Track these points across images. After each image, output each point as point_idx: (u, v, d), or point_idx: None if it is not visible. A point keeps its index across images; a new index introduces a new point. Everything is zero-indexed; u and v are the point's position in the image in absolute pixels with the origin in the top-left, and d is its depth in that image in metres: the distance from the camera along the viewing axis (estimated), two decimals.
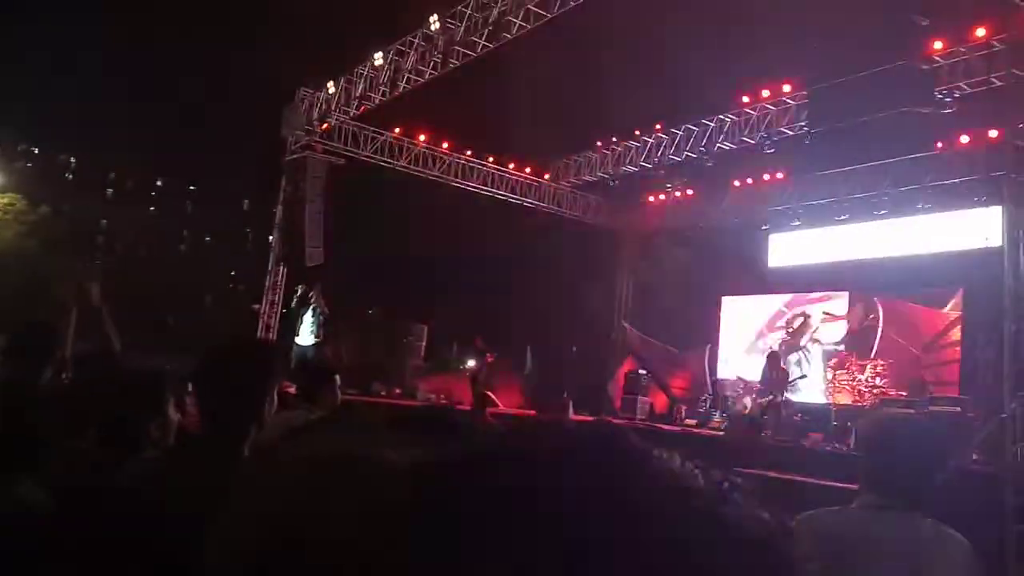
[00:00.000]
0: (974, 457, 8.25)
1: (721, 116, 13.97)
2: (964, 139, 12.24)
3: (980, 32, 10.42)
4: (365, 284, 16.42)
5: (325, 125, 14.18)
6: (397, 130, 15.29)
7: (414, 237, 19.25)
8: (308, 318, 12.48)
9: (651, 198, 17.51)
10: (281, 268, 14.61)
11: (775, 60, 12.51)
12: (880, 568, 2.05)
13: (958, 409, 10.28)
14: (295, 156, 14.43)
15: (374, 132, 15.02)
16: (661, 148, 15.04)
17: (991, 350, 9.55)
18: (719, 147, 14.10)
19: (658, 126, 15.03)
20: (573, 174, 17.02)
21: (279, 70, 16.93)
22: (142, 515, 1.95)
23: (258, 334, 13.67)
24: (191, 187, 48.87)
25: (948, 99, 10.93)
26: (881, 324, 13.90)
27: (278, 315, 14.35)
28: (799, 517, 2.22)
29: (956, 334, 12.89)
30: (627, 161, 15.69)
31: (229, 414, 2.25)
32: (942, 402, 10.54)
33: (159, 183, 49.15)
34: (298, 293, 12.77)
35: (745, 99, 13.56)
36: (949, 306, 13.20)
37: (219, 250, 45.43)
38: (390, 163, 15.28)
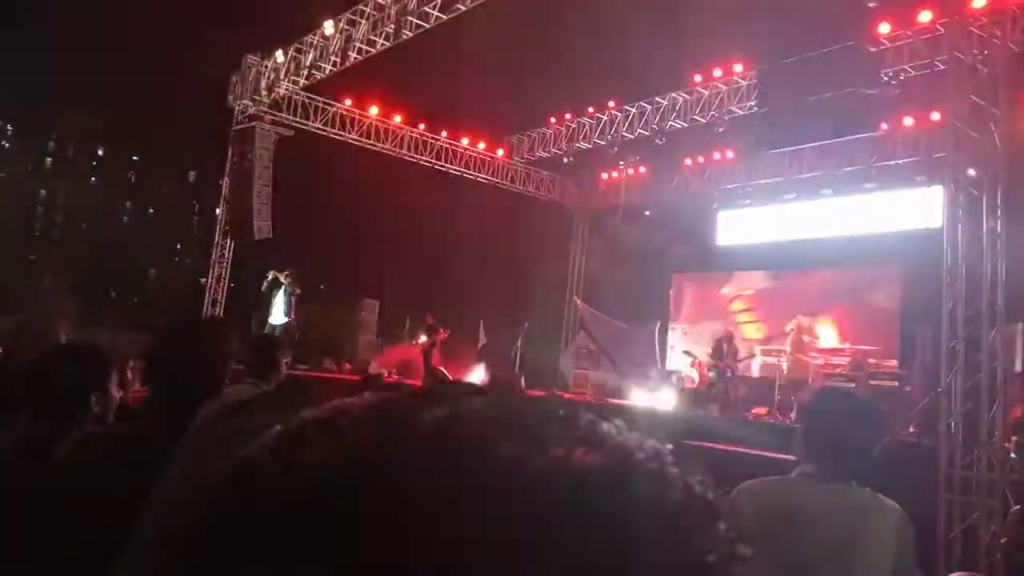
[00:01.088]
0: (911, 429, 8.56)
1: (673, 94, 14.04)
2: (908, 121, 12.57)
3: (924, 16, 10.65)
4: (315, 259, 16.20)
5: (274, 95, 13.85)
6: (348, 102, 15.02)
7: (365, 211, 19.01)
8: (280, 297, 12.62)
9: (604, 175, 17.59)
10: (228, 241, 14.29)
11: (727, 39, 12.60)
12: (816, 534, 2.11)
13: (896, 383, 10.65)
14: (242, 127, 14.07)
15: (324, 103, 14.73)
16: (614, 125, 15.07)
17: (929, 327, 9.86)
18: (671, 125, 14.20)
19: (611, 103, 15.06)
20: (527, 150, 16.97)
21: (226, 37, 16.47)
22: (78, 490, 1.90)
23: (205, 309, 13.40)
24: (134, 157, 47.39)
25: (893, 81, 11.20)
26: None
27: (225, 289, 14.07)
28: (739, 487, 2.27)
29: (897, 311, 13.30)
30: (581, 138, 15.70)
31: (180, 390, 2.23)
32: (882, 376, 10.91)
33: (100, 152, 47.52)
34: (269, 277, 12.84)
35: (697, 78, 13.65)
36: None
37: (163, 223, 44.28)
38: (341, 135, 15.01)
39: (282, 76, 13.55)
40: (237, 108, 14.41)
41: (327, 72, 12.99)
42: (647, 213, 17.07)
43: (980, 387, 6.90)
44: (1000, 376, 7.12)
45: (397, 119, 15.59)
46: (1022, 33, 9.89)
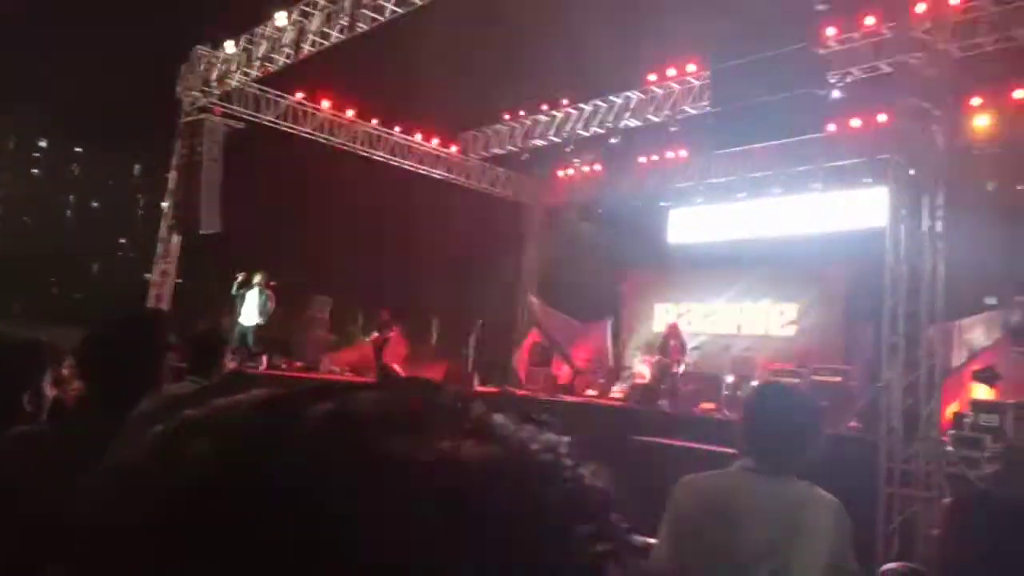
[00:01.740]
0: (853, 424, 8.78)
1: (628, 93, 14.15)
2: (855, 123, 12.89)
3: (870, 20, 10.93)
4: (266, 254, 15.90)
5: (225, 87, 13.57)
6: (300, 95, 14.80)
7: (318, 207, 18.74)
8: (253, 298, 12.76)
9: (559, 172, 17.66)
10: (174, 236, 13.96)
11: (681, 39, 12.75)
12: (754, 527, 2.14)
13: (840, 379, 10.93)
14: (191, 119, 13.76)
15: (276, 96, 14.49)
16: (569, 123, 15.13)
17: (872, 324, 10.13)
18: (625, 124, 14.31)
19: (566, 101, 15.12)
20: (481, 146, 16.94)
21: (175, 27, 16.08)
22: (7, 490, 1.84)
23: (149, 304, 13.08)
24: (77, 149, 46.02)
25: (840, 83, 11.46)
26: None
27: (171, 285, 13.75)
28: (680, 481, 2.30)
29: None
30: (535, 135, 15.73)
31: (117, 387, 2.17)
32: (825, 372, 11.18)
33: (43, 144, 46.01)
34: (239, 279, 12.96)
35: (652, 77, 13.78)
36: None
37: (108, 216, 43.11)
38: (293, 129, 14.78)
39: (233, 68, 13.29)
40: (186, 100, 14.08)
41: (279, 64, 12.78)
42: (600, 211, 17.22)
43: (919, 383, 7.10)
44: (938, 372, 7.35)
45: (350, 113, 15.41)
46: (964, 38, 10.23)
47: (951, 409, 10.73)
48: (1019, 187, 30.41)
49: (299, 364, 13.61)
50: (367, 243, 18.48)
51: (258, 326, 12.82)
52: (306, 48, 12.13)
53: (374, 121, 15.81)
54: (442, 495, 0.34)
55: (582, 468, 0.38)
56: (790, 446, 2.25)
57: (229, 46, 13.20)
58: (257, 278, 12.89)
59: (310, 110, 14.93)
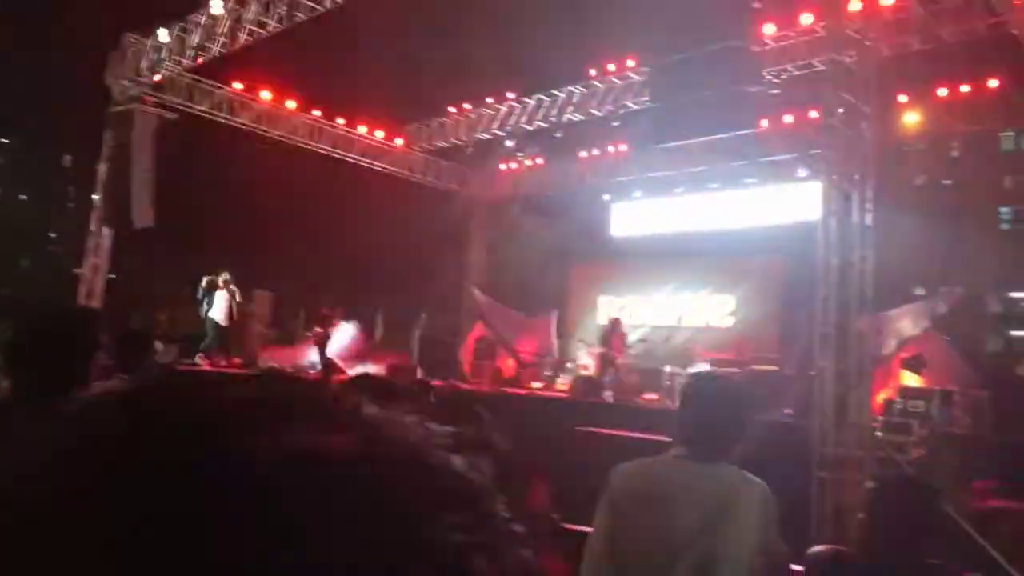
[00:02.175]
0: (788, 411, 9.02)
1: (570, 88, 14.23)
2: (788, 119, 13.22)
3: (806, 18, 11.20)
4: (202, 249, 15.51)
5: (157, 76, 13.15)
6: (238, 85, 14.45)
7: (257, 200, 18.37)
8: (220, 298, 12.80)
9: (503, 166, 17.68)
10: (104, 230, 13.49)
11: (622, 35, 12.89)
12: (686, 512, 2.19)
13: (775, 368, 11.23)
14: (121, 108, 13.31)
15: (212, 86, 14.12)
16: (513, 116, 15.15)
17: (806, 314, 10.41)
18: (568, 118, 14.39)
19: (510, 95, 15.12)
20: (426, 139, 16.83)
21: (105, 14, 15.53)
22: None
23: (79, 300, 12.63)
24: (4, 140, 44.13)
25: (776, 80, 11.74)
26: None
27: (103, 280, 13.30)
28: (614, 468, 2.33)
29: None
30: (480, 128, 15.70)
31: (40, 383, 2.10)
32: (762, 361, 11.47)
33: None
34: (204, 283, 12.95)
35: (593, 72, 13.88)
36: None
37: (36, 209, 41.47)
38: (230, 120, 14.42)
39: (165, 56, 12.89)
40: (116, 89, 13.60)
41: (214, 53, 12.44)
42: (545, 204, 17.31)
43: (850, 371, 7.33)
44: (868, 360, 7.60)
45: (291, 105, 15.12)
46: (894, 37, 10.58)
47: (881, 396, 11.13)
48: (946, 182, 31.65)
49: (238, 360, 13.33)
50: (309, 237, 18.21)
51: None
52: (242, 37, 11.84)
53: (316, 113, 15.55)
54: (300, 487, 0.33)
55: (455, 459, 0.38)
56: (721, 433, 2.30)
57: (162, 34, 12.80)
58: (223, 278, 12.89)
59: (248, 101, 14.60)
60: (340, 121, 15.86)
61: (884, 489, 2.51)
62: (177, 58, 12.84)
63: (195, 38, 12.43)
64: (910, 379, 11.28)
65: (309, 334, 13.93)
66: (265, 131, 14.83)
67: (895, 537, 2.41)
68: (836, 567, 2.52)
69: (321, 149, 15.67)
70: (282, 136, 15.04)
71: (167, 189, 13.05)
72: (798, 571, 2.60)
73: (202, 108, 14.05)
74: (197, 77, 13.79)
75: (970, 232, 27.94)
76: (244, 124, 14.57)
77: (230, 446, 0.34)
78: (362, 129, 16.20)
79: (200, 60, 12.66)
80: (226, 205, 18.67)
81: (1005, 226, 32.32)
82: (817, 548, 2.60)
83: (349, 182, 16.83)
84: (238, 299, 13.02)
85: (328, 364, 12.78)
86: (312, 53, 13.96)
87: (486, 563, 0.34)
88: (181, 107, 13.71)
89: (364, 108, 16.11)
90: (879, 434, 7.96)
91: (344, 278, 17.06)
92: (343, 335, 13.96)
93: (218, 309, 12.82)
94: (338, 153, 15.94)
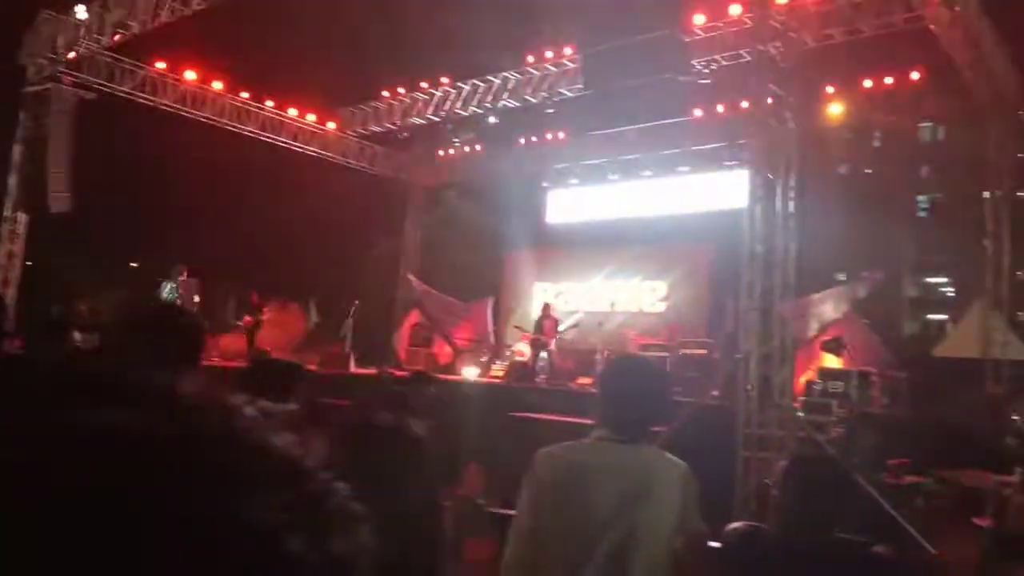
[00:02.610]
0: (715, 394, 9.26)
1: (506, 74, 14.20)
2: (719, 108, 13.49)
3: (735, 9, 11.42)
4: (125, 235, 14.96)
5: (72, 54, 12.58)
6: (161, 65, 13.95)
7: (182, 184, 17.76)
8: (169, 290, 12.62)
9: (439, 151, 17.57)
10: (18, 215, 12.88)
11: (558, 22, 12.90)
12: (607, 493, 2.23)
13: (704, 352, 11.51)
14: (36, 88, 12.70)
15: (133, 65, 13.59)
16: (448, 102, 15.04)
17: (733, 299, 10.69)
18: (504, 104, 14.36)
19: (445, 80, 15.00)
20: (360, 123, 16.57)
21: None
22: None
23: None
24: None
25: (706, 70, 11.94)
26: None
27: (19, 267, 12.72)
28: (539, 452, 2.36)
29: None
30: (415, 113, 15.54)
31: None
32: (692, 345, 11.74)
33: None
34: (166, 289, 12.71)
35: (530, 59, 13.88)
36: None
37: None
38: (153, 101, 13.92)
39: (83, 34, 12.34)
40: (31, 68, 12.96)
41: (135, 31, 11.97)
42: (482, 191, 17.29)
43: (773, 353, 7.57)
44: (790, 343, 7.85)
45: (217, 85, 14.68)
46: (816, 29, 10.88)
47: (804, 378, 11.53)
48: (867, 171, 32.80)
49: None
50: (238, 222, 17.73)
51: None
52: (164, 15, 11.42)
53: (244, 94, 15.13)
54: (110, 467, 0.33)
55: (278, 439, 0.38)
56: (640, 414, 2.35)
57: (79, 10, 12.24)
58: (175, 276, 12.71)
59: (171, 81, 14.11)
60: (269, 103, 15.48)
61: (794, 466, 2.60)
62: (96, 36, 12.31)
63: (115, 15, 11.93)
64: (831, 361, 11.71)
65: (239, 323, 13.62)
66: (190, 113, 14.36)
67: (805, 513, 2.51)
68: (751, 543, 2.61)
69: (249, 132, 15.26)
70: (208, 118, 14.59)
71: (86, 173, 12.53)
72: (717, 548, 2.68)
73: (123, 88, 13.52)
74: (118, 56, 13.27)
75: (889, 219, 29.12)
76: (167, 105, 14.09)
77: (25, 422, 0.33)
78: (292, 112, 15.86)
79: (119, 38, 12.16)
80: (149, 190, 17.98)
81: (922, 214, 33.78)
82: (734, 525, 2.69)
83: (280, 167, 16.45)
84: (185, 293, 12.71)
85: (259, 354, 12.53)
86: (240, 32, 13.53)
87: (303, 544, 0.34)
88: (101, 87, 13.17)
89: (295, 91, 15.76)
90: (800, 414, 8.24)
91: (277, 265, 16.70)
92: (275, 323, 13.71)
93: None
94: (268, 137, 15.56)
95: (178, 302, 12.28)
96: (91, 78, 13.03)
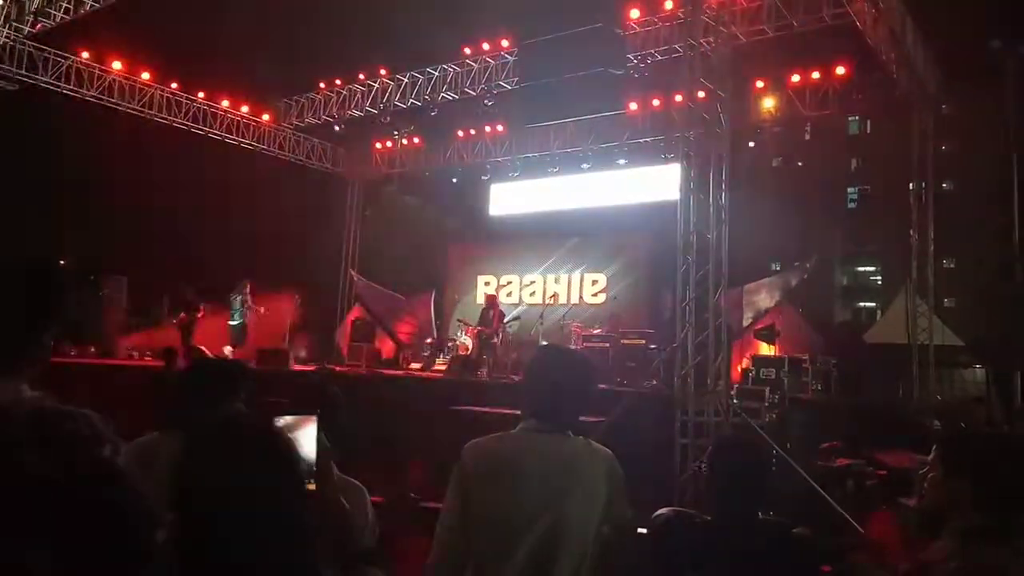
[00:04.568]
0: (654, 382, 9.42)
1: (444, 66, 14.12)
2: (655, 102, 13.68)
3: (668, 4, 11.59)
4: (46, 231, 14.34)
5: None
6: (86, 55, 13.45)
7: (108, 178, 17.13)
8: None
9: (378, 144, 17.38)
10: None
11: (495, 14, 12.86)
12: (535, 483, 2.24)
13: (643, 341, 11.68)
14: None
15: (56, 55, 13.08)
16: (387, 94, 14.89)
17: (670, 290, 10.87)
18: (443, 96, 14.29)
19: (383, 71, 14.84)
20: (296, 116, 16.28)
21: None
22: None
23: None
24: None
25: (642, 64, 12.10)
26: None
27: None
28: (467, 444, 2.36)
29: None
30: (352, 105, 15.33)
31: None
32: (632, 335, 11.89)
33: None
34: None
35: (467, 51, 13.83)
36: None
37: None
38: (77, 92, 13.42)
39: (1, 22, 11.81)
40: None
41: (57, 20, 11.52)
42: (423, 184, 17.19)
43: (708, 342, 7.73)
44: (724, 332, 8.03)
45: (145, 76, 14.22)
46: (747, 25, 11.11)
47: (741, 366, 11.82)
48: (799, 163, 33.60)
49: (92, 349, 12.53)
50: (170, 217, 17.23)
51: None
52: (88, 2, 11.01)
53: (173, 85, 14.70)
54: None
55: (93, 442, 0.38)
56: (566, 405, 2.37)
57: None
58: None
59: (97, 71, 13.62)
60: (200, 95, 15.08)
61: (718, 451, 2.67)
62: (16, 24, 11.80)
63: (35, 2, 11.46)
64: (765, 349, 12.02)
65: (173, 320, 13.26)
66: (116, 104, 13.90)
67: (729, 495, 2.58)
68: (677, 527, 2.67)
69: (180, 124, 14.85)
70: (135, 109, 14.14)
71: (6, 166, 12.03)
72: (643, 534, 2.72)
73: (46, 79, 13.00)
74: (40, 45, 12.75)
75: (820, 211, 30.00)
76: (93, 96, 13.60)
77: None
78: (224, 103, 15.48)
79: (40, 26, 11.69)
80: (74, 184, 17.30)
81: (852, 205, 34.87)
82: (660, 511, 2.74)
83: (214, 160, 16.03)
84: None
85: (194, 352, 12.23)
86: (170, 22, 13.13)
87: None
88: (22, 77, 12.64)
89: (228, 82, 15.37)
90: (735, 401, 8.44)
91: (212, 261, 16.28)
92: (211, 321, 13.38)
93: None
94: (199, 129, 15.17)
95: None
96: (11, 68, 12.50)
